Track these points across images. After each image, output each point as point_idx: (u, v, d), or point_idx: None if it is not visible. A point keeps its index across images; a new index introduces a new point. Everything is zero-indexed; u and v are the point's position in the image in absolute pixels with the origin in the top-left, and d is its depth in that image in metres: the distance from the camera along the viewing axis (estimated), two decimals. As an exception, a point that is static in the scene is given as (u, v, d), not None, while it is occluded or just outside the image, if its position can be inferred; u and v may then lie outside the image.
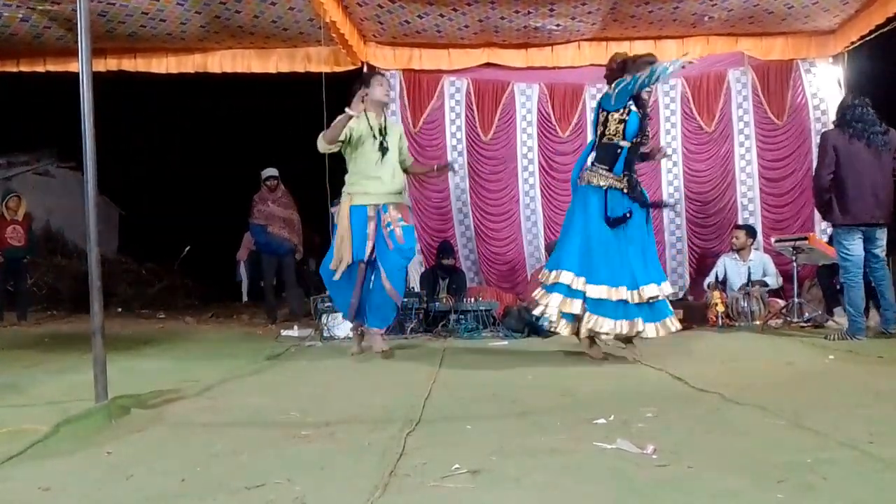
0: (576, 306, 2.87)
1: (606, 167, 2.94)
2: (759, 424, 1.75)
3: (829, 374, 2.66)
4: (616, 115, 2.95)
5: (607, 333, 2.88)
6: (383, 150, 3.19)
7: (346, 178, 3.31)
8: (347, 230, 3.21)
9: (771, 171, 5.50)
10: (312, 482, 1.34)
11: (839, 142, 3.56)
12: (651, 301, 2.87)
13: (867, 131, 3.54)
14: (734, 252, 5.03)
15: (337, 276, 3.24)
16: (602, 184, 2.92)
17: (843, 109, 3.66)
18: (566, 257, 2.93)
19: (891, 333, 3.56)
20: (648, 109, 3.06)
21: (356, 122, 3.14)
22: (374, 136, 3.18)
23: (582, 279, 2.87)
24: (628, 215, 2.91)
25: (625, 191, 2.95)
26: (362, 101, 3.08)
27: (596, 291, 2.84)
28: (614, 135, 2.93)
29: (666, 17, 5.00)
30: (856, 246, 3.58)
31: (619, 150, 2.93)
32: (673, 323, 2.94)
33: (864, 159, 3.53)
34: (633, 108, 2.94)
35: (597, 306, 2.85)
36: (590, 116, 5.58)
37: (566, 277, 2.89)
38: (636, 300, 2.86)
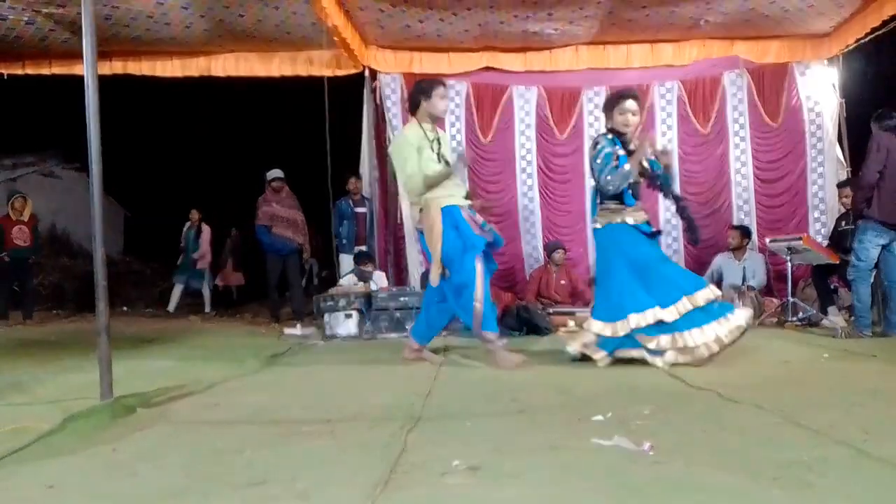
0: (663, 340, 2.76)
1: (619, 203, 2.94)
2: (755, 422, 1.76)
3: (825, 372, 2.67)
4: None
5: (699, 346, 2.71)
6: (443, 160, 3.01)
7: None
8: (440, 231, 2.90)
9: (766, 173, 5.53)
10: (314, 479, 1.35)
11: (891, 143, 3.62)
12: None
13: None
14: (729, 252, 5.06)
15: (435, 283, 2.93)
16: (627, 220, 2.92)
17: (882, 113, 3.72)
18: (630, 301, 2.79)
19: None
20: (632, 144, 2.98)
21: (413, 134, 2.99)
22: (431, 149, 3.00)
23: (654, 310, 2.76)
24: (659, 231, 2.95)
25: (646, 220, 2.98)
26: (463, 165, 2.96)
27: (670, 313, 2.73)
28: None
29: (662, 22, 5.02)
30: (875, 251, 3.67)
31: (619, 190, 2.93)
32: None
33: None
34: (621, 152, 2.92)
35: (684, 322, 2.72)
36: (587, 119, 5.62)
37: (637, 319, 2.76)
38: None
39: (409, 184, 2.99)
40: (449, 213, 2.93)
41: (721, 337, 2.69)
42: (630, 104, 2.93)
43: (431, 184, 2.96)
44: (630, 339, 2.79)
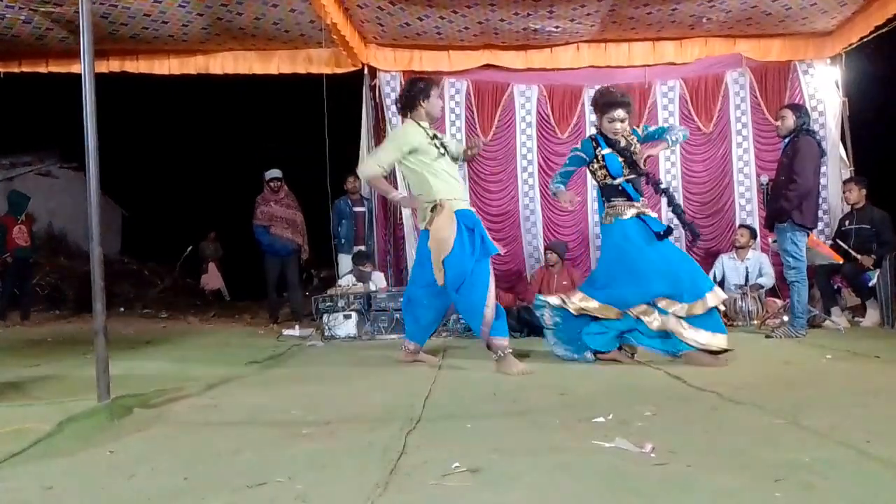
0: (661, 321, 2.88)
1: (626, 199, 2.99)
2: (756, 423, 1.76)
3: (827, 373, 2.67)
4: (594, 165, 3.04)
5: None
6: (447, 156, 3.00)
7: (419, 189, 2.99)
8: (453, 234, 2.86)
9: (769, 172, 5.52)
10: (314, 481, 1.35)
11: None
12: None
13: (820, 142, 3.87)
14: (733, 251, 5.06)
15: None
16: (632, 213, 2.96)
17: (808, 120, 3.82)
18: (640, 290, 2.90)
19: (800, 336, 3.69)
20: (624, 142, 3.02)
21: (415, 136, 2.97)
22: (436, 146, 2.98)
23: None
24: (671, 228, 2.99)
25: (655, 216, 3.03)
26: (414, 203, 3.03)
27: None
28: (604, 178, 3.03)
29: (664, 19, 5.01)
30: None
31: (619, 186, 2.97)
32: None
33: (820, 168, 3.87)
34: (607, 151, 2.99)
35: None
36: (589, 117, 5.62)
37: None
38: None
39: (366, 164, 3.11)
40: (464, 216, 2.94)
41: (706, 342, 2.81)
42: (618, 113, 3.01)
43: (372, 184, 3.29)
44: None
